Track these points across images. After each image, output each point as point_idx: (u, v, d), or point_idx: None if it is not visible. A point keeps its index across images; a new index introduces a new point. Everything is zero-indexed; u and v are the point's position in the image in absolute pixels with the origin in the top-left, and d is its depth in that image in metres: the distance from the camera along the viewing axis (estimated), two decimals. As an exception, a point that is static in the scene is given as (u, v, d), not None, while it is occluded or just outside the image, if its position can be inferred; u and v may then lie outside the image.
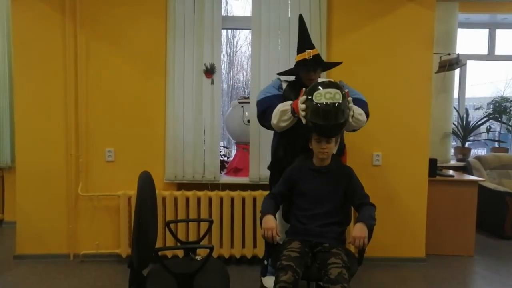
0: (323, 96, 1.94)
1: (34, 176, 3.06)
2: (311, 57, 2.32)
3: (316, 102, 1.95)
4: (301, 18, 2.46)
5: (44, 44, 3.02)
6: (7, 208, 4.13)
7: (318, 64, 2.37)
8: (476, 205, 3.37)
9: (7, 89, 3.96)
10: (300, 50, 2.39)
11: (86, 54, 3.05)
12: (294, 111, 2.13)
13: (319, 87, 1.98)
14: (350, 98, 2.04)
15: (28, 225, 3.09)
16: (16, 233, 3.11)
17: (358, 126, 2.27)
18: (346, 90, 2.05)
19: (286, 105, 2.22)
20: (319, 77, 2.42)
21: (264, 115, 2.39)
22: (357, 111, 2.21)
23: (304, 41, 2.40)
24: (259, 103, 2.44)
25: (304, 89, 2.09)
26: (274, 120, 2.28)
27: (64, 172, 3.08)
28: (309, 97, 1.98)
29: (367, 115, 2.37)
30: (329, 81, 2.04)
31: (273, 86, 2.48)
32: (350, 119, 2.08)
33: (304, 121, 2.02)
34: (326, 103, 1.92)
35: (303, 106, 2.00)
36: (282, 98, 2.40)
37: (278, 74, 2.59)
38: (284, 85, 2.48)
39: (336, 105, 1.93)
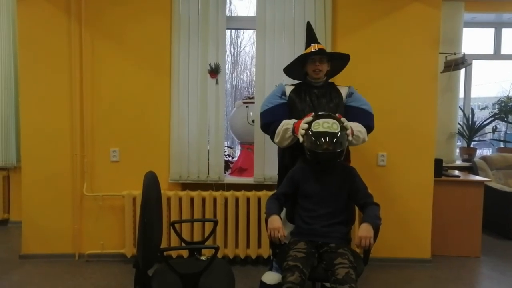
0: (320, 125, 2.03)
1: (39, 176, 3.08)
2: (317, 49, 2.36)
3: (313, 131, 2.02)
4: (308, 25, 2.55)
5: (49, 44, 3.04)
6: (12, 208, 4.17)
7: (324, 51, 2.40)
8: (482, 206, 3.35)
9: (13, 89, 3.99)
10: (306, 46, 2.46)
11: (91, 53, 3.06)
12: (294, 130, 2.19)
13: (318, 119, 2.06)
14: (349, 131, 2.12)
15: (33, 224, 3.11)
16: (21, 233, 3.13)
17: (358, 143, 2.30)
18: (345, 123, 2.10)
19: (288, 124, 2.26)
20: (328, 69, 2.44)
21: (267, 130, 2.45)
22: (357, 128, 2.25)
23: (310, 39, 2.47)
24: (263, 115, 2.46)
25: (313, 113, 2.14)
26: (276, 139, 2.34)
27: (69, 172, 3.09)
28: (309, 128, 2.06)
29: (371, 128, 2.42)
30: (328, 114, 2.12)
31: (276, 94, 2.48)
32: (350, 138, 2.16)
33: (301, 139, 2.09)
34: (323, 131, 1.99)
35: (304, 128, 2.07)
36: (286, 106, 2.42)
37: (284, 69, 2.59)
38: (288, 91, 2.48)
39: (333, 133, 1.99)
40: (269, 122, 2.40)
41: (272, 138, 2.40)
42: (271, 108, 2.42)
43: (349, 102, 2.43)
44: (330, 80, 2.58)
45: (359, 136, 2.25)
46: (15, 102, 3.99)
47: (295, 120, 2.25)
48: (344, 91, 2.48)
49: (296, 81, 2.65)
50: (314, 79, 2.43)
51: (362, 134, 2.28)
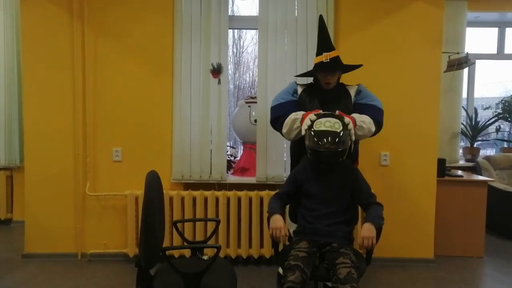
0: (322, 124, 2.03)
1: (42, 175, 3.09)
2: (328, 60, 2.29)
3: (315, 129, 2.03)
4: (321, 19, 2.41)
5: (52, 44, 3.04)
6: (15, 208, 4.18)
7: (335, 67, 2.33)
8: (486, 206, 3.33)
9: (16, 90, 4.01)
10: (318, 53, 2.36)
11: (94, 53, 3.07)
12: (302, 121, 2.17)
13: (320, 118, 2.06)
14: (352, 131, 2.10)
15: (36, 224, 3.12)
16: (24, 232, 3.14)
17: (364, 134, 2.25)
18: (349, 122, 2.08)
19: (297, 114, 2.25)
20: (339, 78, 2.41)
21: (276, 123, 2.43)
22: (359, 118, 2.22)
23: (323, 44, 2.36)
24: (273, 109, 2.45)
25: (320, 110, 2.15)
26: (284, 129, 2.32)
27: (72, 172, 3.10)
28: (310, 127, 2.06)
29: (381, 124, 2.36)
30: (331, 113, 2.11)
31: (288, 91, 2.47)
32: (352, 129, 2.13)
33: (303, 132, 2.10)
34: (325, 130, 2.00)
35: (308, 124, 2.08)
36: (296, 104, 2.40)
37: (296, 76, 2.57)
38: (300, 90, 2.46)
39: (335, 133, 1.99)
40: (279, 116, 2.38)
41: (280, 130, 2.37)
42: (282, 103, 2.41)
43: (358, 100, 2.40)
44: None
45: (362, 126, 2.20)
46: (18, 102, 4.00)
47: (304, 112, 2.24)
48: (353, 91, 2.44)
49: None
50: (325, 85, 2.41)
51: (366, 124, 2.22)
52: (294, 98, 2.43)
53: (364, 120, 2.23)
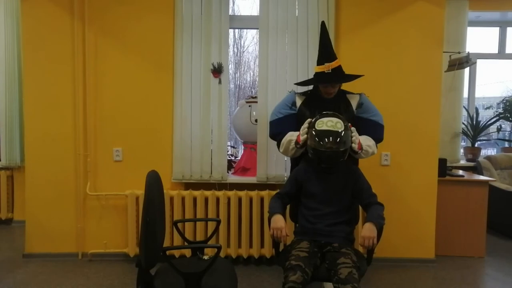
0: (324, 123, 2.02)
1: (43, 175, 3.09)
2: (330, 71, 2.25)
3: (317, 129, 2.01)
4: (323, 26, 2.34)
5: (53, 43, 3.04)
6: (16, 207, 4.18)
7: (337, 78, 2.29)
8: (487, 206, 3.33)
9: (17, 89, 4.01)
10: (319, 62, 2.30)
11: (95, 53, 3.07)
12: (297, 142, 2.18)
13: (322, 117, 2.05)
14: (353, 128, 2.09)
15: (37, 224, 3.12)
16: (25, 232, 3.14)
17: (367, 157, 2.28)
18: (349, 124, 2.09)
19: (292, 136, 2.25)
20: (339, 88, 2.38)
21: (274, 139, 2.45)
22: (365, 142, 2.22)
23: (324, 53, 2.29)
24: (271, 124, 2.46)
25: (309, 119, 2.14)
26: (281, 149, 2.35)
27: (72, 172, 3.10)
28: (312, 126, 2.05)
29: (381, 140, 2.38)
30: (333, 113, 2.09)
31: (286, 104, 2.44)
32: (360, 152, 2.15)
33: (303, 138, 2.09)
34: (327, 130, 1.99)
35: (305, 127, 2.09)
36: (295, 117, 2.38)
37: (296, 84, 2.53)
38: (299, 102, 2.43)
39: (336, 132, 1.98)
40: (277, 133, 2.40)
41: (278, 147, 2.40)
42: (280, 119, 2.41)
43: (360, 113, 2.36)
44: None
45: (368, 151, 2.22)
46: (19, 101, 4.00)
47: (298, 133, 2.22)
48: (354, 101, 2.39)
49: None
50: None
51: (371, 148, 2.25)
52: (293, 112, 2.40)
53: (370, 145, 2.25)
